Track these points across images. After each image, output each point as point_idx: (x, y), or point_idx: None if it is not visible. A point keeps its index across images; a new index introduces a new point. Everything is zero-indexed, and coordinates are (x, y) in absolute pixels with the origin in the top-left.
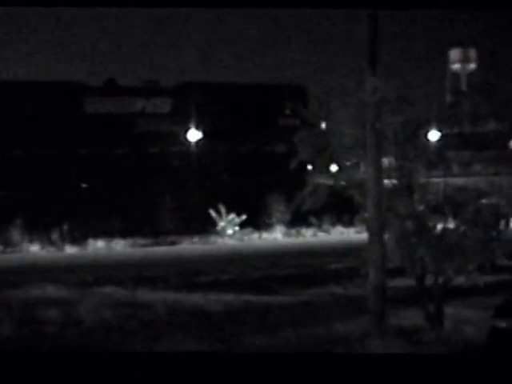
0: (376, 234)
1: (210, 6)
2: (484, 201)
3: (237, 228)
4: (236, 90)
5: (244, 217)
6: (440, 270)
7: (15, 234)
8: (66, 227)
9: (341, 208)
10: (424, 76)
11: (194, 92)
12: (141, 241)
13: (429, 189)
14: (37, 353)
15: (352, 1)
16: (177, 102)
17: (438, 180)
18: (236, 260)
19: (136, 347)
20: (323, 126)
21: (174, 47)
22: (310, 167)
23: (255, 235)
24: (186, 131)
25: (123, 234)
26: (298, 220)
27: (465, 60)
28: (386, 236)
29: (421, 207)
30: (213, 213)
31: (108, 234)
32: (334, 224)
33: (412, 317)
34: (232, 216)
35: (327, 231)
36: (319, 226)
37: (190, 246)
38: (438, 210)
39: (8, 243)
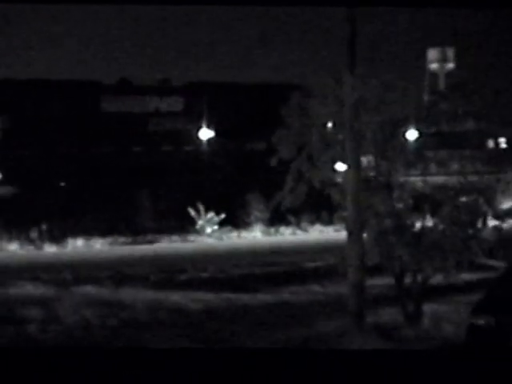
0: (355, 232)
1: (208, 3)
2: (462, 199)
3: (216, 227)
4: (246, 90)
5: (223, 215)
6: (419, 268)
7: None
8: (44, 226)
9: (320, 207)
10: (403, 76)
11: (205, 91)
12: (120, 239)
13: (407, 187)
14: (20, 351)
15: None
16: (188, 101)
17: (416, 179)
18: (215, 258)
19: (116, 345)
20: (329, 124)
21: (184, 46)
22: None
23: (234, 234)
24: (198, 130)
25: (103, 233)
26: (276, 219)
27: (443, 60)
28: (365, 234)
29: (399, 206)
30: (192, 211)
31: (87, 232)
32: (312, 222)
33: (391, 314)
34: (211, 215)
35: (306, 230)
36: (298, 225)
37: (169, 244)
38: (417, 209)
39: None
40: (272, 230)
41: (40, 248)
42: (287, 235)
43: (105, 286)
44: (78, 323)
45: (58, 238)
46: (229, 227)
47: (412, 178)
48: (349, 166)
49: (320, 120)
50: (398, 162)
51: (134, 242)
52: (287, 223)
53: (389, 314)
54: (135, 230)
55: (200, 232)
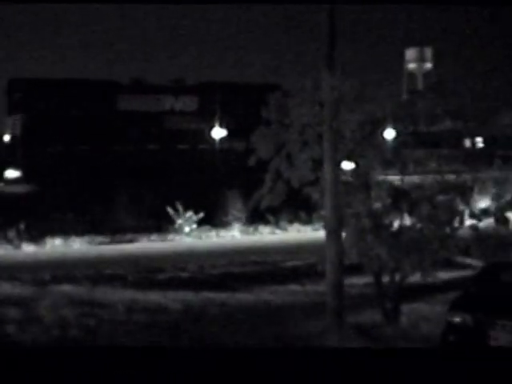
0: (333, 231)
1: (211, 1)
2: (439, 198)
3: (194, 226)
4: (258, 90)
5: (202, 214)
6: (397, 267)
7: None
8: (22, 225)
9: (298, 206)
10: (381, 75)
11: (218, 91)
12: (98, 239)
13: (385, 186)
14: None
15: None
16: (202, 101)
17: (394, 178)
18: (194, 258)
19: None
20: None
21: (197, 45)
22: None
23: (213, 233)
24: (211, 129)
25: (81, 232)
26: (255, 218)
27: (421, 59)
28: (344, 233)
29: (377, 205)
30: (170, 210)
31: (66, 232)
32: (291, 222)
33: (370, 313)
34: (189, 214)
35: (285, 229)
36: (277, 224)
37: (147, 243)
38: (395, 208)
39: None
40: (251, 229)
41: (18, 247)
42: (266, 234)
43: (83, 285)
44: (57, 323)
45: (36, 237)
46: (207, 226)
47: (390, 177)
48: (327, 165)
49: (298, 119)
50: (375, 161)
51: (113, 242)
52: (266, 222)
53: (368, 313)
54: (114, 230)
55: (178, 231)
